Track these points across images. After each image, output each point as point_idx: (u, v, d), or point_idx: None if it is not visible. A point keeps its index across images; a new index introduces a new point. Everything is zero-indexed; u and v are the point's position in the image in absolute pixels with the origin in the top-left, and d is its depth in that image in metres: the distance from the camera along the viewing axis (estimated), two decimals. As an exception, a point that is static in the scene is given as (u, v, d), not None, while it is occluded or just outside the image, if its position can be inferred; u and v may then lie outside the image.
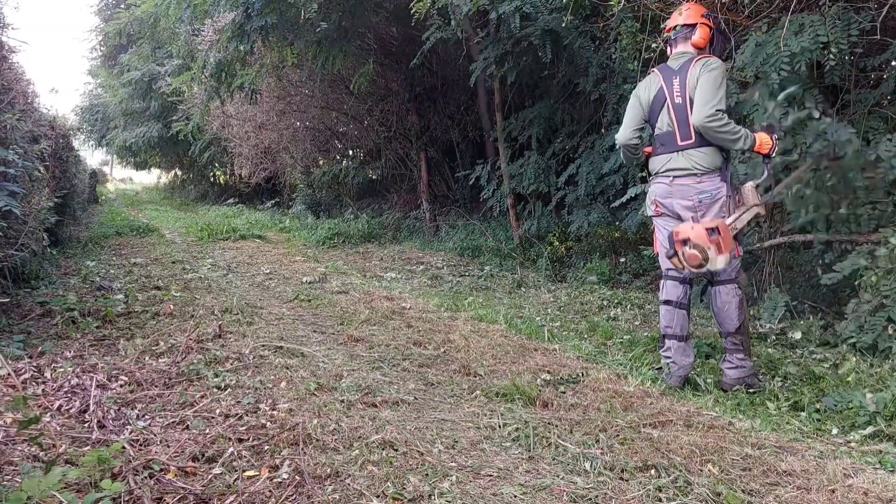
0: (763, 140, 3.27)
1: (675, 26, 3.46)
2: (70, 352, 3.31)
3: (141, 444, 2.31)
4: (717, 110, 3.16)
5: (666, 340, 3.41)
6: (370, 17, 7.98)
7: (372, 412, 2.73)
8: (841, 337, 3.82)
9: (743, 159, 4.29)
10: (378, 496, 2.02)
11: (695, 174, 3.29)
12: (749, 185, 3.33)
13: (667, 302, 3.42)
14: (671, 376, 3.34)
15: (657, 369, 3.53)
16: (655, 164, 3.48)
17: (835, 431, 2.76)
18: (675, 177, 3.35)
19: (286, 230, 10.89)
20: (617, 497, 2.08)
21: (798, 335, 4.00)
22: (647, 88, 3.49)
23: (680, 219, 3.39)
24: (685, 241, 3.14)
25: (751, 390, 3.23)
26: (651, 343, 4.02)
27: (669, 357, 3.38)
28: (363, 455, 2.28)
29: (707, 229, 3.09)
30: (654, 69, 3.53)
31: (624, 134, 3.56)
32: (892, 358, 3.43)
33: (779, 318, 4.21)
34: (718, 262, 3.09)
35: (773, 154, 3.32)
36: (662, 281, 3.51)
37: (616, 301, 5.33)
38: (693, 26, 3.40)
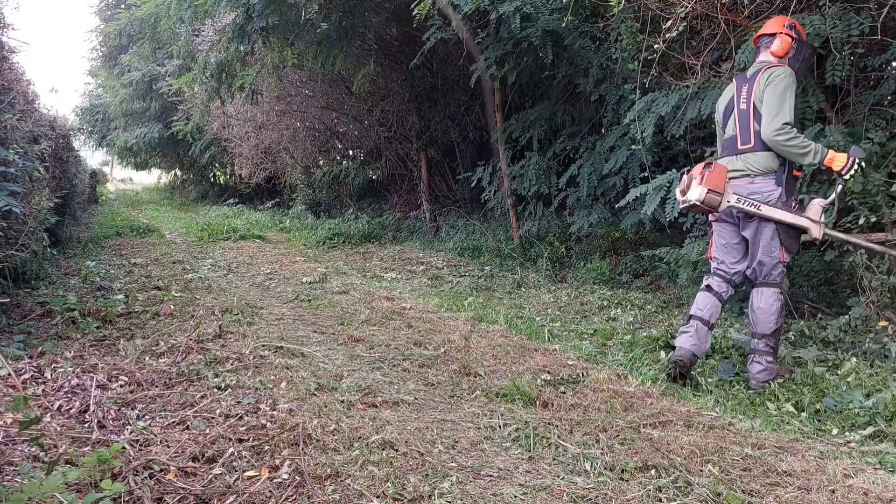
0: (836, 157, 3.26)
1: (760, 36, 3.53)
2: (70, 352, 3.32)
3: (141, 445, 2.31)
4: (784, 123, 3.21)
5: (692, 320, 3.48)
6: (370, 17, 7.98)
7: (372, 412, 2.73)
8: (841, 337, 3.82)
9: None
10: (378, 496, 2.02)
11: (748, 175, 3.37)
12: (817, 202, 3.36)
13: (707, 288, 3.54)
14: (681, 350, 3.41)
15: (666, 367, 3.55)
16: None
17: (835, 432, 2.76)
18: (731, 178, 3.42)
19: (286, 230, 10.89)
20: (617, 497, 2.08)
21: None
22: (723, 99, 3.64)
23: (735, 220, 3.48)
24: (687, 171, 3.45)
25: (777, 381, 3.28)
26: (651, 343, 4.02)
27: (688, 332, 3.44)
28: (363, 455, 2.28)
29: (705, 164, 3.30)
30: (734, 78, 3.61)
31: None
32: (892, 358, 3.43)
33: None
34: (694, 191, 3.32)
35: (846, 175, 3.27)
36: (708, 276, 3.62)
37: (616, 301, 5.33)
38: (773, 35, 3.44)
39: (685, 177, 3.44)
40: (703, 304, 3.50)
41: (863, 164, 3.30)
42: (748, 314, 3.53)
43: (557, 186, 7.08)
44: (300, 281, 6.04)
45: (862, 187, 3.78)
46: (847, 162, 3.26)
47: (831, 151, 3.28)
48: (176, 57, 12.08)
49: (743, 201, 3.29)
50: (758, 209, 3.28)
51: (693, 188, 3.32)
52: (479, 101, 9.42)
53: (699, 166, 3.37)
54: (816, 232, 3.33)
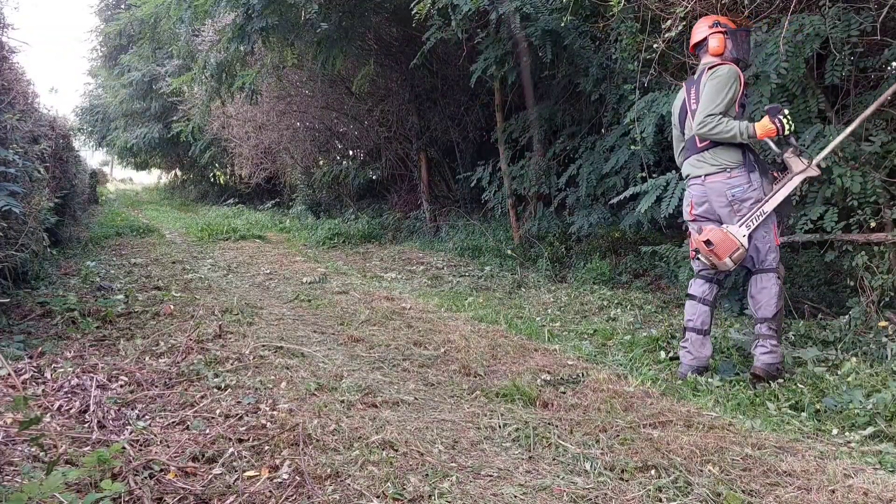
0: (764, 125, 3.32)
1: (693, 46, 3.61)
2: (70, 352, 3.32)
3: (141, 445, 2.31)
4: (706, 116, 3.30)
5: (686, 332, 3.53)
6: (370, 17, 7.97)
7: (372, 412, 2.73)
8: (841, 337, 3.82)
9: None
10: (378, 496, 2.02)
11: (724, 169, 3.41)
12: (788, 153, 3.42)
13: (690, 297, 3.57)
14: (682, 366, 3.49)
15: (673, 362, 3.58)
16: (686, 168, 3.62)
17: (835, 432, 2.76)
18: (706, 175, 3.46)
19: (286, 230, 10.89)
20: (617, 497, 2.08)
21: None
22: (676, 103, 3.70)
23: (717, 218, 3.51)
24: (696, 251, 3.45)
25: (778, 381, 3.27)
26: (651, 343, 4.02)
27: (686, 347, 3.50)
28: (363, 455, 2.28)
29: (704, 241, 3.33)
30: (684, 83, 3.68)
31: (678, 160, 3.79)
32: (892, 358, 3.43)
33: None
34: (725, 263, 3.35)
35: (786, 132, 3.32)
36: (693, 279, 3.64)
37: (616, 301, 5.33)
38: (704, 40, 3.51)
39: (702, 258, 3.43)
40: (690, 313, 3.54)
41: (787, 112, 3.34)
42: (748, 303, 3.55)
43: (557, 186, 7.08)
44: (300, 281, 6.04)
45: (861, 187, 3.78)
46: (774, 125, 3.30)
47: (756, 125, 3.32)
48: (176, 57, 12.09)
49: (752, 220, 3.33)
50: (765, 214, 3.33)
51: (719, 265, 3.37)
52: (479, 101, 9.42)
53: (700, 245, 3.36)
54: (813, 171, 3.41)
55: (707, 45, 3.49)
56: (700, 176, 3.48)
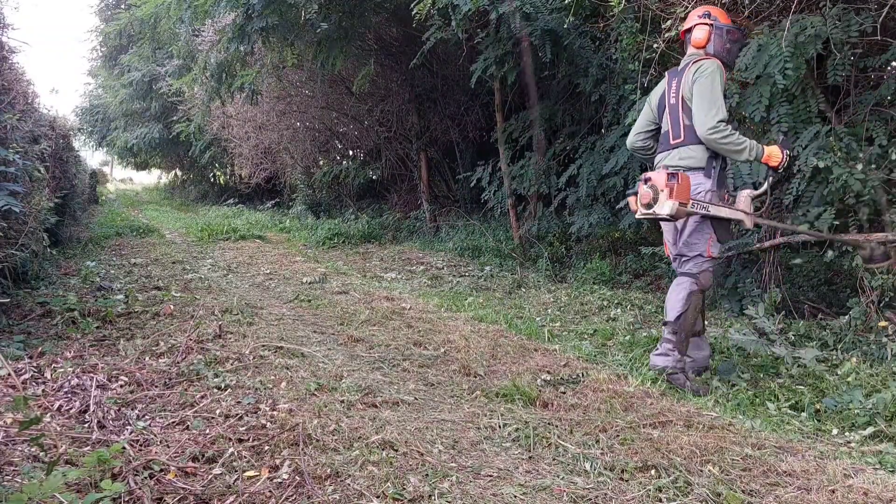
0: (772, 153, 3.29)
1: (684, 31, 3.56)
2: (70, 352, 3.31)
3: (141, 445, 2.31)
4: (718, 121, 3.21)
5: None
6: (370, 17, 7.98)
7: (372, 412, 2.73)
8: (841, 337, 3.82)
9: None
10: (378, 496, 2.02)
11: (684, 170, 3.34)
12: (746, 192, 3.40)
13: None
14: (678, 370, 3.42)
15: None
16: (655, 163, 3.60)
17: (835, 432, 2.76)
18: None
19: (286, 230, 10.89)
20: (617, 497, 2.08)
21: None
22: (656, 92, 3.61)
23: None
24: (647, 181, 3.26)
25: (672, 384, 3.24)
26: (651, 343, 4.01)
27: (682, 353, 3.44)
28: (363, 455, 2.28)
29: (668, 174, 3.18)
30: (666, 73, 3.61)
31: (629, 138, 3.75)
32: (892, 358, 3.43)
33: (777, 316, 4.20)
34: (665, 205, 3.16)
35: (781, 169, 3.33)
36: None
37: (616, 301, 5.33)
38: (692, 29, 3.47)
39: (645, 187, 3.27)
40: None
41: (791, 154, 3.32)
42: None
43: (557, 186, 7.08)
44: (300, 281, 6.04)
45: (862, 186, 3.78)
46: (782, 157, 3.28)
47: (767, 147, 3.29)
48: (176, 57, 12.07)
49: (696, 205, 3.23)
50: (707, 210, 3.25)
51: (663, 202, 3.18)
52: (479, 101, 9.43)
53: (660, 176, 3.22)
54: (748, 223, 3.36)
55: (692, 34, 3.45)
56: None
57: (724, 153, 3.29)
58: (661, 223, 3.59)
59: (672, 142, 3.42)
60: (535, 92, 7.10)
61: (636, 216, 3.41)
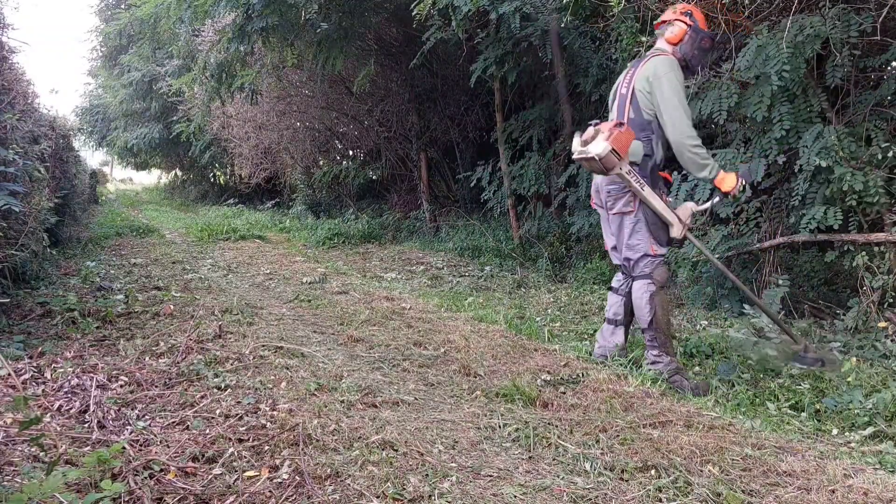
0: (726, 178, 3.28)
1: (658, 23, 3.53)
2: (70, 352, 3.31)
3: (141, 445, 2.31)
4: (691, 129, 3.21)
5: (605, 322, 3.70)
6: (370, 17, 7.98)
7: (372, 412, 2.73)
8: (841, 337, 3.82)
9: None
10: (378, 496, 2.02)
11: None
12: (690, 204, 3.42)
13: (611, 288, 3.68)
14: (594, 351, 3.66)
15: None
16: None
17: (835, 432, 2.76)
18: None
19: (286, 230, 10.89)
20: (617, 497, 2.08)
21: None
22: (617, 82, 3.57)
23: (606, 207, 3.50)
24: (595, 124, 3.25)
25: (673, 387, 3.24)
26: (651, 343, 4.01)
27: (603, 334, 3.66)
28: (363, 455, 2.28)
29: (617, 123, 3.18)
30: (630, 63, 3.61)
31: None
32: (893, 358, 3.43)
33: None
34: (597, 144, 3.10)
35: (731, 197, 3.34)
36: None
37: (616, 301, 5.33)
38: (669, 23, 3.44)
39: (591, 128, 3.24)
40: (609, 303, 3.65)
41: (747, 186, 3.32)
42: None
43: (557, 186, 7.08)
44: (300, 281, 6.04)
45: (863, 186, 3.78)
46: (736, 184, 3.27)
47: (723, 172, 3.28)
48: (176, 57, 12.08)
49: (632, 175, 3.19)
50: (641, 188, 3.21)
51: (598, 141, 3.11)
52: (480, 101, 9.43)
53: (611, 123, 3.20)
54: (677, 231, 3.33)
55: (667, 28, 3.42)
56: None
57: (687, 162, 3.26)
58: (601, 212, 3.60)
59: None
60: (531, 94, 7.09)
61: (573, 157, 3.33)
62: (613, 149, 3.07)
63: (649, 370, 3.33)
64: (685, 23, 3.38)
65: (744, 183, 3.32)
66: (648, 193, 3.23)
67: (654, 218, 3.31)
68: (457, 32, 5.87)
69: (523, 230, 7.60)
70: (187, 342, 3.53)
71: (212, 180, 20.64)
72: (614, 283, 3.65)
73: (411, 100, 9.94)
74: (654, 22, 3.61)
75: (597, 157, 3.09)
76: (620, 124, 3.14)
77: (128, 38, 15.87)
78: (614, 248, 3.57)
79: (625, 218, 3.38)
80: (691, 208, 3.39)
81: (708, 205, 3.53)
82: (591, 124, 3.28)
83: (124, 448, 2.19)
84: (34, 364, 3.07)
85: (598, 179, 3.48)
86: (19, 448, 2.18)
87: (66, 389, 2.79)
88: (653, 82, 3.25)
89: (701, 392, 3.21)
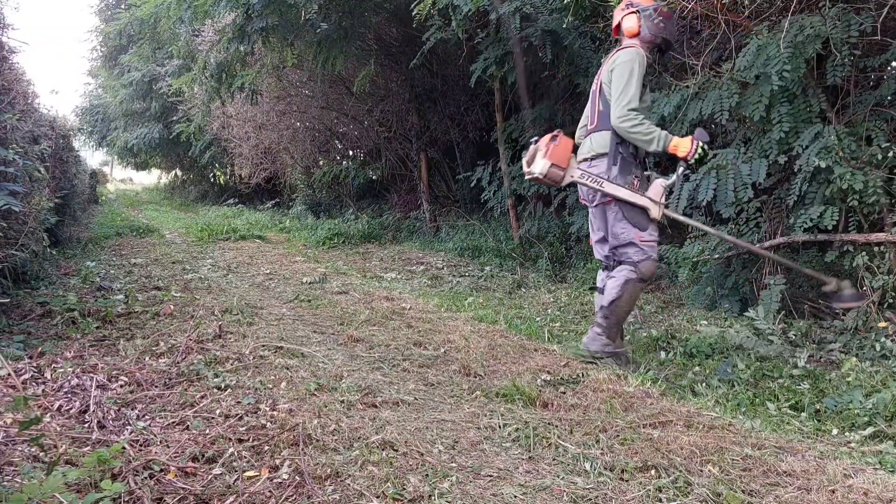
0: (679, 144, 3.30)
1: (615, 30, 3.61)
2: (70, 352, 3.31)
3: (141, 445, 2.31)
4: (629, 110, 3.26)
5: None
6: (370, 17, 7.98)
7: (372, 412, 2.73)
8: (840, 337, 3.82)
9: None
10: (378, 496, 2.02)
11: (587, 158, 3.44)
12: (659, 181, 3.43)
13: (593, 288, 3.76)
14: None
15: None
16: (578, 150, 3.67)
17: (835, 432, 2.76)
18: (581, 160, 3.52)
19: (286, 230, 10.89)
20: (617, 497, 2.08)
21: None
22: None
23: (590, 202, 3.58)
24: (536, 141, 3.39)
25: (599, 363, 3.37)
26: (651, 343, 4.02)
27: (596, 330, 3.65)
28: (363, 455, 2.28)
29: (552, 136, 3.29)
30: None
31: (577, 133, 3.82)
32: (893, 358, 3.43)
33: (776, 313, 4.19)
34: (537, 163, 3.31)
35: (691, 160, 3.34)
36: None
37: (616, 301, 5.33)
38: (620, 24, 3.53)
39: (532, 147, 3.38)
40: (596, 303, 3.66)
41: (706, 147, 3.31)
42: None
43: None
44: (300, 281, 6.04)
45: (863, 186, 3.78)
46: (691, 147, 3.28)
47: (675, 138, 3.31)
48: (176, 57, 12.08)
49: (586, 177, 3.30)
50: (600, 186, 3.29)
51: (537, 160, 3.28)
52: (480, 101, 9.42)
53: (546, 138, 3.32)
54: (655, 212, 3.37)
55: (622, 27, 3.50)
56: (582, 160, 3.52)
57: (634, 142, 3.34)
58: (590, 212, 3.68)
59: (589, 128, 3.50)
60: (531, 94, 7.09)
61: (526, 178, 3.50)
62: (553, 163, 3.22)
63: (585, 343, 3.43)
64: (631, 12, 3.46)
65: (700, 143, 3.31)
66: (610, 187, 3.31)
67: (627, 205, 3.36)
68: (457, 32, 5.87)
69: (523, 230, 7.60)
70: (187, 342, 3.53)
71: (212, 180, 20.64)
72: (598, 283, 3.68)
73: (411, 100, 9.94)
74: (612, 30, 3.69)
75: (541, 176, 3.27)
76: (554, 137, 3.28)
77: (128, 38, 15.89)
78: (598, 241, 3.63)
79: (606, 208, 3.47)
80: (661, 184, 3.41)
81: (675, 177, 3.53)
82: (532, 142, 3.40)
83: (124, 448, 2.19)
84: (34, 364, 3.07)
85: (574, 167, 3.55)
86: (19, 448, 2.18)
87: (66, 389, 2.79)
88: (612, 73, 3.36)
89: (633, 369, 3.33)
